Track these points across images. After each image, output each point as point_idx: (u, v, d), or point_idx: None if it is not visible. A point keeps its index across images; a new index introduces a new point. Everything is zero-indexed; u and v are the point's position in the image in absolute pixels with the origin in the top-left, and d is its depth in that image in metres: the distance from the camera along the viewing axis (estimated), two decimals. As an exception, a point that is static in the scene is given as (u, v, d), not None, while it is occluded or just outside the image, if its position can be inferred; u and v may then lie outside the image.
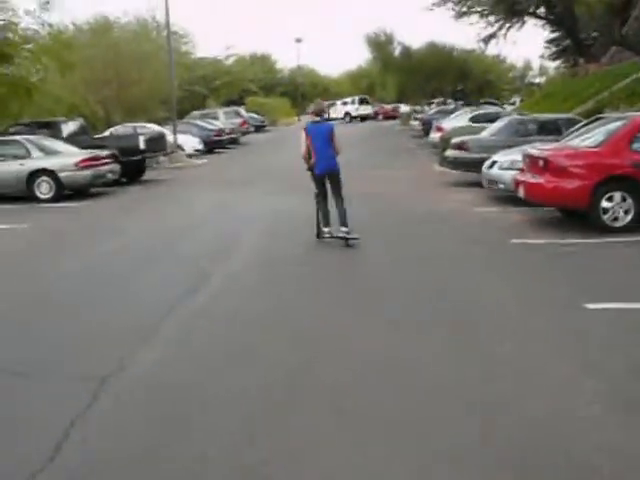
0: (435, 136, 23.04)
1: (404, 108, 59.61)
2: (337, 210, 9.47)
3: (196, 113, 38.74)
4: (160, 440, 3.97)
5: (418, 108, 50.04)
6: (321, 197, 9.71)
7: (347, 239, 9.27)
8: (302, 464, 3.66)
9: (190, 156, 26.54)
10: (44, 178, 15.64)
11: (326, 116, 9.48)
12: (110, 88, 33.70)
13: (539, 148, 10.78)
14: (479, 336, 5.52)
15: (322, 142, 9.43)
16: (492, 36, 45.71)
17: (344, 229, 9.33)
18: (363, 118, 63.06)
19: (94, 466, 3.74)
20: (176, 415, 4.30)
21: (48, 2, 22.20)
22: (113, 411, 4.40)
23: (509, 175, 11.78)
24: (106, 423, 4.23)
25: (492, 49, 51.04)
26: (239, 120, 39.64)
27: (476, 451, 3.69)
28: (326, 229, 9.68)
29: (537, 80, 76.79)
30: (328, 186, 9.64)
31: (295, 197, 14.38)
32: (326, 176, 9.56)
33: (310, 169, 9.65)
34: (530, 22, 45.31)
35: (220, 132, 31.72)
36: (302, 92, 74.05)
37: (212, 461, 3.71)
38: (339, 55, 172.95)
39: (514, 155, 12.11)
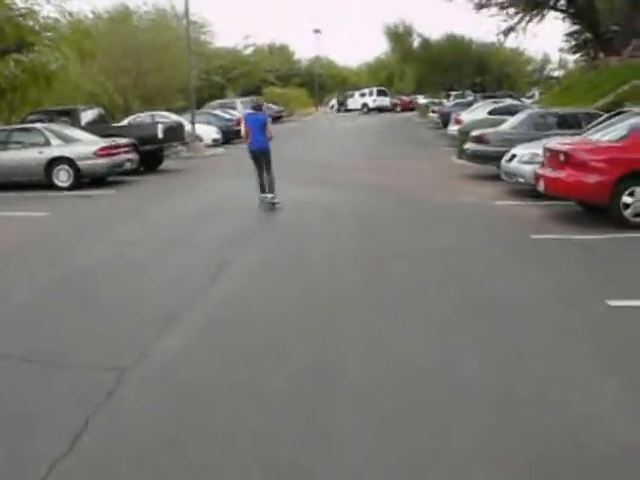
0: (454, 128, 22.89)
1: (422, 100, 59.30)
2: (267, 179, 12.06)
3: (214, 103, 38.75)
4: (179, 432, 3.98)
5: (436, 100, 49.79)
6: (258, 170, 12.18)
7: (273, 203, 11.88)
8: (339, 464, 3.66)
9: (208, 146, 26.56)
10: (63, 166, 15.73)
11: (264, 110, 13.59)
12: (129, 76, 33.82)
13: (560, 142, 10.69)
14: (501, 331, 5.49)
15: (257, 128, 12.06)
16: (512, 29, 45.35)
17: (270, 195, 11.95)
18: (381, 109, 62.91)
19: (113, 456, 3.75)
20: (196, 408, 4.30)
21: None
22: (134, 402, 4.41)
23: (529, 168, 11.69)
24: (126, 414, 4.24)
25: (511, 42, 50.45)
26: (257, 110, 39.52)
27: (510, 448, 3.69)
28: (262, 195, 12.08)
29: (556, 73, 76.03)
30: (263, 161, 12.12)
31: (313, 188, 14.38)
32: (258, 153, 12.10)
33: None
34: (550, 15, 44.87)
35: (238, 122, 31.59)
36: (320, 83, 73.84)
37: (231, 455, 3.71)
38: (358, 46, 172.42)
39: (534, 148, 12.00)
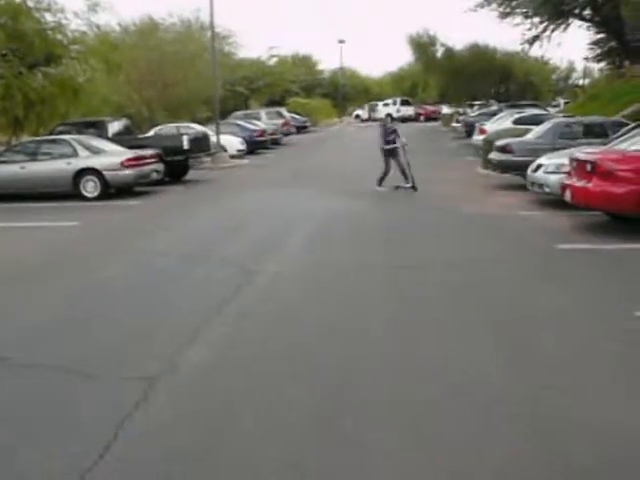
0: (478, 138, 22.81)
1: (446, 110, 59.20)
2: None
3: (239, 113, 38.97)
4: (208, 443, 4.00)
5: (460, 110, 49.63)
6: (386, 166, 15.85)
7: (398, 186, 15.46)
8: None
9: (233, 156, 26.71)
10: (90, 177, 15.91)
11: (387, 125, 16.80)
12: (154, 88, 34.12)
13: (586, 151, 10.64)
14: (527, 342, 5.47)
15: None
16: (536, 37, 45.09)
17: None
18: (404, 119, 62.95)
19: (143, 466, 3.79)
20: (225, 419, 4.33)
21: (97, 4, 22.54)
22: (162, 413, 4.43)
23: (555, 178, 11.64)
24: (155, 424, 4.27)
25: (536, 51, 50.04)
26: (281, 121, 39.79)
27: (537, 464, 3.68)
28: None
29: (581, 82, 75.46)
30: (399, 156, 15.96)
31: (340, 198, 14.41)
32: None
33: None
34: (574, 24, 44.58)
35: (262, 132, 31.83)
36: (344, 93, 74.00)
37: (259, 463, 3.74)
38: (381, 56, 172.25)
39: (560, 158, 11.95)
